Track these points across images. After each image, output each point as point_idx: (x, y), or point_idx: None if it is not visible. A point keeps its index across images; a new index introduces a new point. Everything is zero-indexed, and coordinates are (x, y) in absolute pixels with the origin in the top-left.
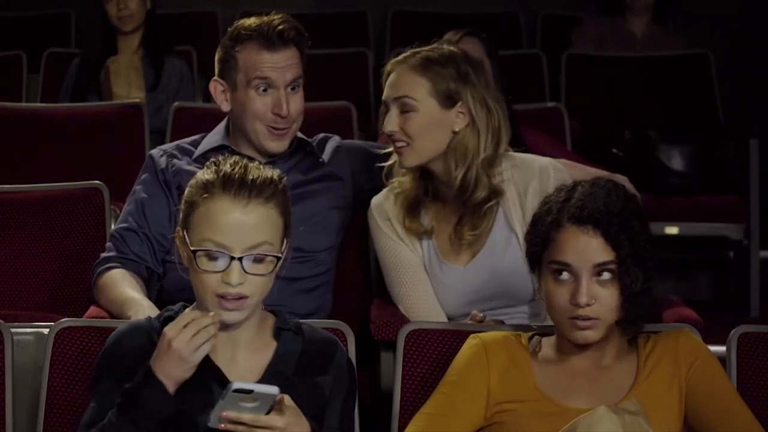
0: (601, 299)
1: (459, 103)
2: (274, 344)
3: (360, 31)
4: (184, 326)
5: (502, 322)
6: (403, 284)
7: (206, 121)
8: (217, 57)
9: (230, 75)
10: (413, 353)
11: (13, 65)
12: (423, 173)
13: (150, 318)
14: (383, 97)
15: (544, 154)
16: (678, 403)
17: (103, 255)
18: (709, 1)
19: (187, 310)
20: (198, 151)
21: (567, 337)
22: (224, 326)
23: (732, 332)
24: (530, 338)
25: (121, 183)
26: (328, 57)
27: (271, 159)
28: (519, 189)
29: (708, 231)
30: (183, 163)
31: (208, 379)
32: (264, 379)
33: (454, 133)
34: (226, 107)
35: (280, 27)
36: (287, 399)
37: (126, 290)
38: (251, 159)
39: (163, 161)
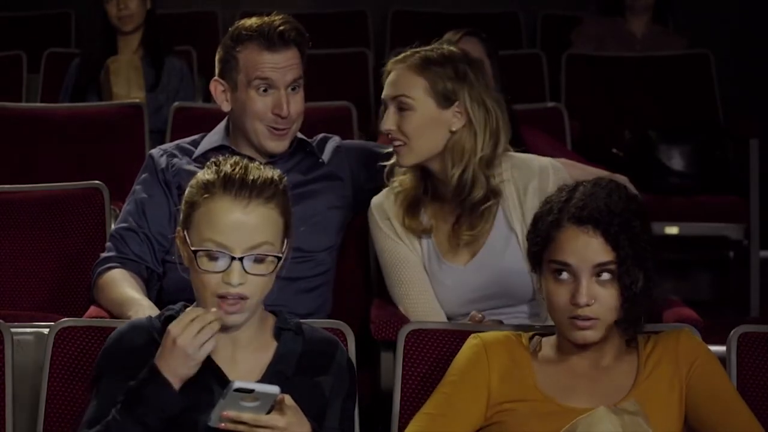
0: (601, 299)
1: (456, 103)
2: (274, 344)
3: (360, 31)
4: (188, 323)
5: (500, 322)
6: (403, 284)
7: (206, 121)
8: (217, 57)
9: (231, 75)
10: (413, 353)
11: (13, 65)
12: (423, 172)
13: (151, 317)
14: (382, 96)
15: (544, 154)
16: (678, 403)
17: (103, 255)
18: (709, 1)
19: (188, 308)
20: (198, 151)
21: (567, 337)
22: (225, 326)
23: (732, 332)
24: (531, 338)
25: (121, 183)
26: (328, 57)
27: (271, 159)
28: (519, 189)
29: (708, 231)
30: (183, 163)
31: (209, 378)
32: (264, 379)
33: (452, 132)
34: (226, 107)
35: (281, 27)
36: (288, 399)
37: (126, 290)
38: (251, 159)
39: (163, 161)
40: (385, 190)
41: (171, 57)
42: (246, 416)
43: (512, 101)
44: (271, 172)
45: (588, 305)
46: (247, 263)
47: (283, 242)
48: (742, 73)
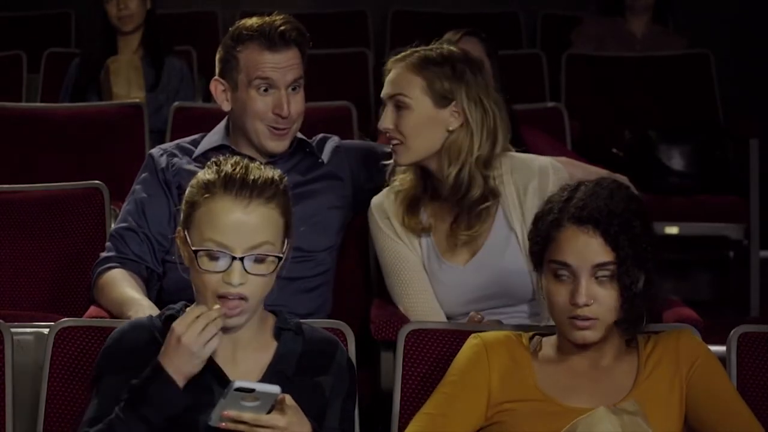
0: (601, 299)
1: (453, 103)
2: (274, 344)
3: (360, 31)
4: (193, 321)
5: (499, 322)
6: (403, 283)
7: (206, 121)
8: (218, 56)
9: (231, 75)
10: (413, 353)
11: (13, 65)
12: (423, 171)
13: (152, 316)
14: (381, 94)
15: (544, 154)
16: (678, 403)
17: (103, 255)
18: (709, 1)
19: (190, 307)
20: (198, 151)
21: (567, 337)
22: (225, 327)
23: (732, 332)
24: (531, 338)
25: (121, 183)
26: (328, 57)
27: (271, 159)
28: (519, 189)
29: (708, 231)
30: (183, 163)
31: (209, 378)
32: (265, 379)
33: (449, 132)
34: (226, 107)
35: (282, 27)
36: (288, 398)
37: (126, 290)
38: (252, 159)
39: (163, 161)
40: (385, 190)
41: (171, 57)
42: (246, 416)
43: (512, 101)
44: (272, 172)
45: (587, 305)
46: (247, 263)
47: (283, 242)
48: (742, 73)
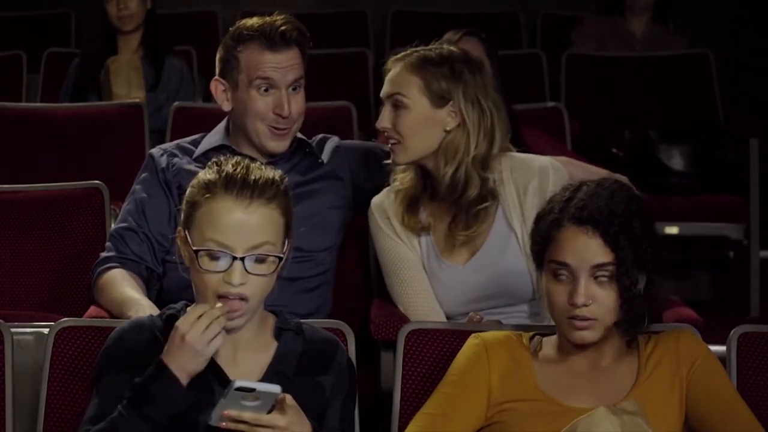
0: (600, 300)
1: (451, 103)
2: (274, 344)
3: (360, 31)
4: (196, 319)
5: (498, 322)
6: (402, 283)
7: (206, 121)
8: (218, 56)
9: (232, 75)
10: (413, 353)
11: (13, 65)
12: (423, 171)
13: (152, 316)
14: (380, 94)
15: (544, 154)
16: (679, 403)
17: (103, 255)
18: (709, 1)
19: (190, 308)
20: (198, 151)
21: (566, 337)
22: (225, 328)
23: (732, 332)
24: (531, 338)
25: (121, 183)
26: (328, 57)
27: (272, 159)
28: (519, 189)
29: (708, 231)
30: (183, 163)
31: (210, 378)
32: (265, 379)
33: (446, 132)
34: (227, 107)
35: (283, 27)
36: (289, 398)
37: (126, 290)
38: (252, 159)
39: (163, 160)
40: (385, 190)
41: (171, 57)
42: (247, 415)
43: (512, 101)
44: (273, 173)
45: (585, 305)
46: (248, 263)
47: (284, 243)
48: (742, 73)
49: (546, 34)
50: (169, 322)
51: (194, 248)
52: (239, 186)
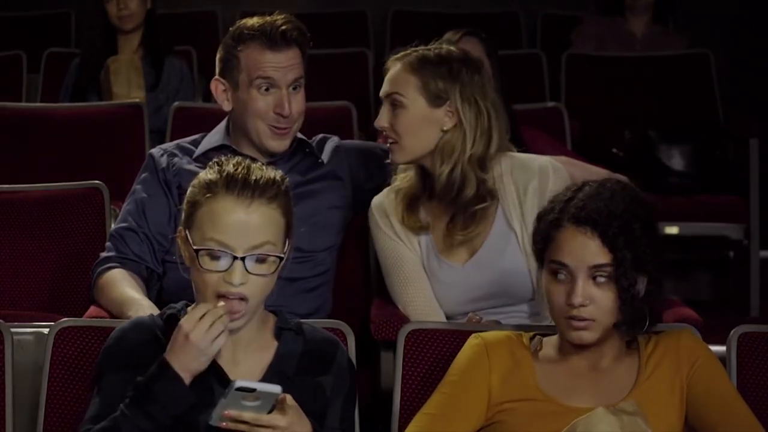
0: (597, 301)
1: (448, 103)
2: (275, 344)
3: (360, 31)
4: (200, 318)
5: (498, 323)
6: (402, 283)
7: (206, 120)
8: (218, 56)
9: (232, 74)
10: (413, 353)
11: (13, 65)
12: (423, 170)
13: (153, 315)
14: (380, 93)
15: (544, 154)
16: (679, 403)
17: (103, 255)
18: (709, 1)
19: (190, 307)
20: (198, 151)
21: (564, 337)
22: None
23: (732, 332)
24: (531, 338)
25: (121, 183)
26: (328, 57)
27: (272, 159)
28: (518, 188)
29: (708, 231)
30: (183, 163)
31: (210, 378)
32: (265, 379)
33: (443, 131)
34: (227, 106)
35: (283, 27)
36: (289, 398)
37: (126, 290)
38: (253, 159)
39: (163, 161)
40: (385, 190)
41: (171, 57)
42: (247, 415)
43: (512, 101)
44: (274, 173)
45: (583, 306)
46: (248, 263)
47: (284, 243)
48: (742, 73)
49: (546, 34)
50: (169, 321)
51: (195, 248)
52: (240, 186)
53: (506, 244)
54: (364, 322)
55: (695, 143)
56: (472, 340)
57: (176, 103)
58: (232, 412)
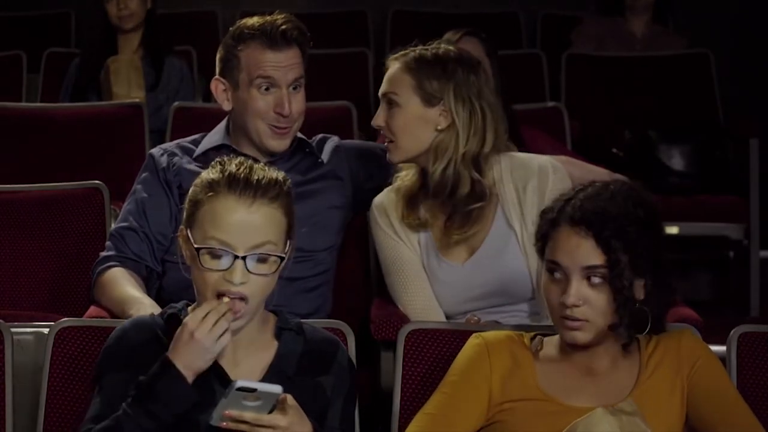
0: (591, 302)
1: (442, 102)
2: (275, 344)
3: (360, 31)
4: (204, 316)
5: (497, 323)
6: (402, 282)
7: (206, 120)
8: (218, 56)
9: (232, 74)
10: (413, 353)
11: (13, 65)
12: (423, 169)
13: (153, 315)
14: (378, 92)
15: (544, 154)
16: (680, 403)
17: (103, 254)
18: (709, 1)
19: (190, 308)
20: (198, 150)
21: (560, 336)
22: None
23: (732, 332)
24: (532, 338)
25: (121, 183)
26: (328, 57)
27: (272, 159)
28: (518, 188)
29: (708, 231)
30: (184, 162)
31: (211, 378)
32: (266, 379)
33: (438, 131)
34: (227, 106)
35: (284, 27)
36: (290, 398)
37: (127, 289)
38: (255, 160)
39: (163, 160)
40: (386, 189)
41: (171, 57)
42: (248, 415)
43: (512, 101)
44: (276, 173)
45: (576, 306)
46: (249, 262)
47: (285, 243)
48: (742, 73)
49: (546, 34)
50: (170, 321)
51: (196, 246)
52: (242, 185)
53: (506, 243)
54: (364, 322)
55: (695, 143)
56: (473, 340)
57: (176, 103)
58: (233, 412)
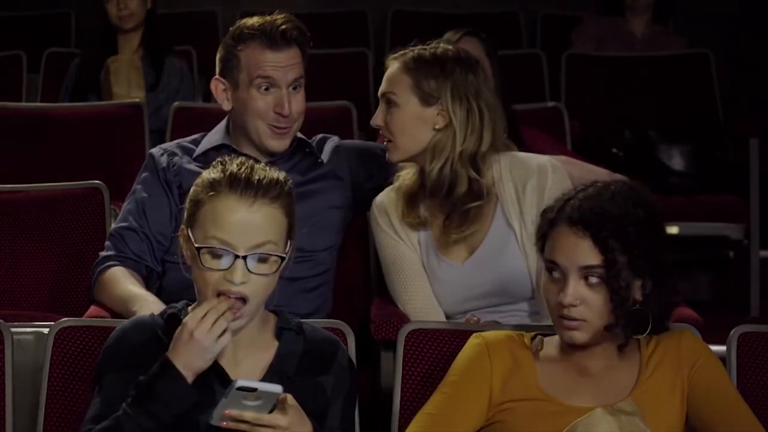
0: (589, 302)
1: (439, 101)
2: (275, 344)
3: (360, 31)
4: (203, 316)
5: (496, 323)
6: (402, 282)
7: (206, 120)
8: (218, 56)
9: (232, 74)
10: (413, 353)
11: (13, 65)
12: (422, 168)
13: (153, 315)
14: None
15: (543, 154)
16: (680, 403)
17: (102, 254)
18: (709, 1)
19: (190, 307)
20: (198, 150)
21: (559, 335)
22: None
23: (732, 332)
24: (533, 338)
25: (121, 183)
26: (328, 57)
27: (271, 159)
28: (517, 187)
29: (708, 231)
30: (184, 162)
31: (211, 378)
32: (266, 379)
33: (436, 130)
34: (227, 106)
35: (283, 27)
36: (290, 398)
37: (129, 286)
38: (256, 160)
39: (163, 160)
40: (387, 189)
41: (171, 57)
42: (248, 415)
43: (512, 101)
44: (277, 173)
45: (573, 306)
46: (250, 262)
47: (286, 243)
48: (742, 73)
49: (546, 34)
50: (170, 321)
51: (197, 245)
52: (243, 185)
53: (505, 242)
54: (364, 322)
55: (695, 143)
56: (474, 340)
57: (176, 103)
58: (233, 412)
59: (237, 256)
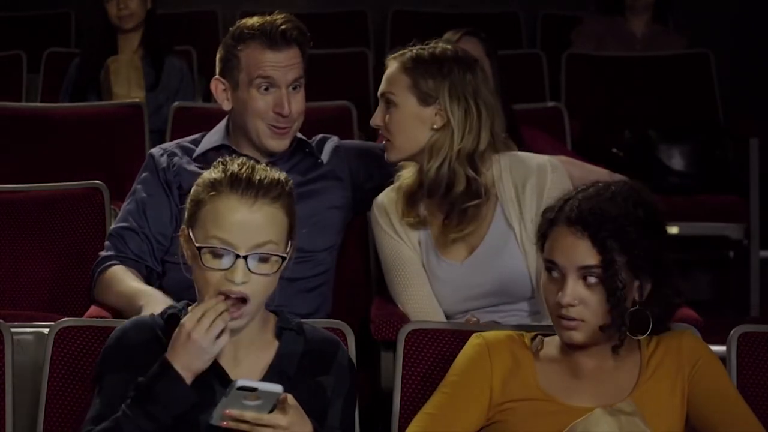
0: (587, 302)
1: (437, 101)
2: (276, 344)
3: (360, 31)
4: (201, 316)
5: (495, 323)
6: (402, 281)
7: (206, 120)
8: (218, 56)
9: (232, 74)
10: (413, 353)
11: (13, 65)
12: (421, 167)
13: (153, 315)
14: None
15: (543, 154)
16: (680, 403)
17: (102, 254)
18: (709, 1)
19: (191, 307)
20: (198, 150)
21: (558, 335)
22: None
23: (732, 332)
24: (533, 338)
25: (121, 183)
26: (328, 57)
27: (271, 159)
28: (517, 187)
29: (708, 231)
30: (184, 162)
31: (211, 378)
32: (266, 379)
33: (434, 130)
34: (227, 106)
35: (283, 27)
36: (290, 398)
37: (133, 283)
38: (257, 161)
39: (163, 160)
40: (387, 189)
41: (171, 57)
42: (248, 415)
43: (512, 101)
44: (278, 174)
45: (572, 306)
46: (251, 262)
47: (287, 243)
48: (742, 73)
49: (546, 34)
50: (170, 321)
51: (197, 245)
52: (244, 185)
53: (505, 242)
54: (364, 322)
55: (695, 143)
56: (474, 340)
57: (176, 103)
58: (234, 412)
59: (238, 256)
